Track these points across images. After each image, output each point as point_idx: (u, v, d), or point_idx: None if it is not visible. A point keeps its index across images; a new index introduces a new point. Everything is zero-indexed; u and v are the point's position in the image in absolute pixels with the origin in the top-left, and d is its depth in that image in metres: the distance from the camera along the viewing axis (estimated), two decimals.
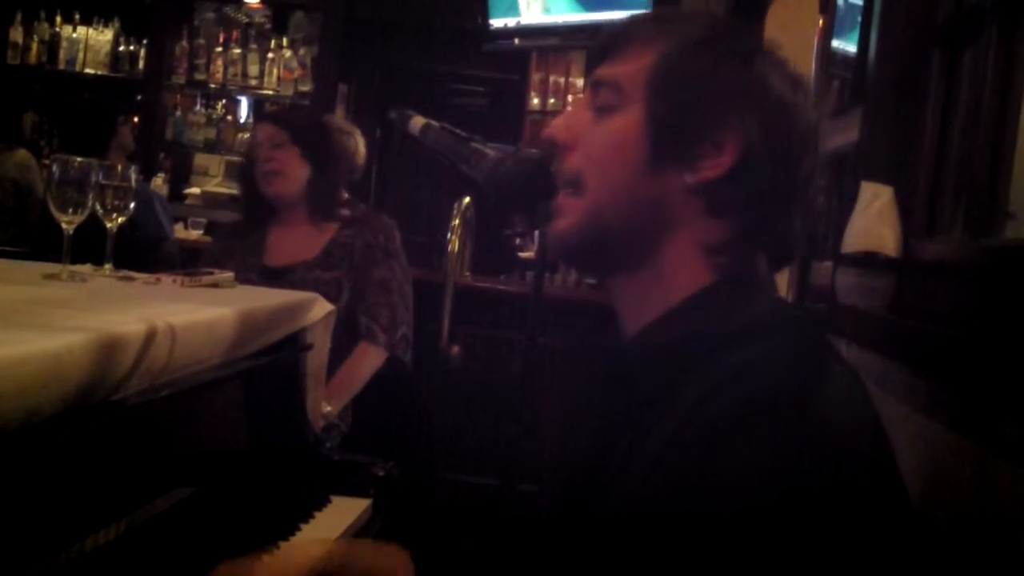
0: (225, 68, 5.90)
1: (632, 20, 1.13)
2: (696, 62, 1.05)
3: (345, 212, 2.96)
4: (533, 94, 5.91)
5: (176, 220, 4.79)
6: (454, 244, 3.21)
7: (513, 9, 4.56)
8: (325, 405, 2.63)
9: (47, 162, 2.51)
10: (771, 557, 0.83)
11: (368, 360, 2.83)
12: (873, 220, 1.81)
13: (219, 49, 5.92)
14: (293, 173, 2.92)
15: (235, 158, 5.77)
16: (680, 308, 1.04)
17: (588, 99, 1.11)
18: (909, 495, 0.97)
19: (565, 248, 1.12)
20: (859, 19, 2.20)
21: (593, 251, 1.10)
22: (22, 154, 4.48)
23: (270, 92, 5.90)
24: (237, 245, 2.94)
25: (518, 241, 5.03)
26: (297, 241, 2.91)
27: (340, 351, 2.69)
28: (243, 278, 2.73)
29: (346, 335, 2.75)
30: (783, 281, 2.74)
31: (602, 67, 1.10)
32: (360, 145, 3.95)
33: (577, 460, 1.15)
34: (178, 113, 5.97)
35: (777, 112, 1.04)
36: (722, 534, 0.83)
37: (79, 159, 1.82)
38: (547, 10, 4.43)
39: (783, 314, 1.05)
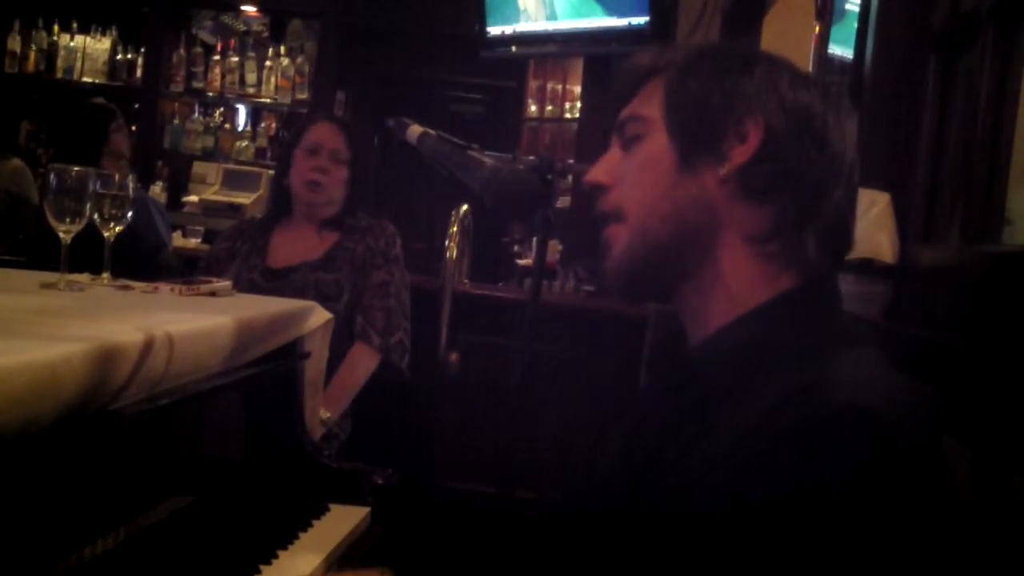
0: (223, 76, 5.91)
1: (637, 58, 1.19)
2: (701, 72, 1.11)
3: (350, 220, 2.96)
4: (531, 101, 5.92)
5: (174, 228, 4.79)
6: (452, 251, 3.22)
7: (513, 17, 4.56)
8: (324, 411, 2.63)
9: (44, 171, 2.51)
10: (825, 571, 0.84)
11: (362, 362, 2.82)
12: (870, 227, 1.81)
13: (217, 57, 5.93)
14: (335, 191, 2.91)
15: (233, 166, 5.78)
16: (754, 312, 1.07)
17: (617, 141, 1.17)
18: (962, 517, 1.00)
19: (624, 275, 1.15)
20: (855, 25, 2.20)
21: (651, 269, 1.13)
22: (16, 163, 4.48)
23: (268, 100, 5.91)
24: (241, 246, 2.94)
25: (516, 248, 5.04)
26: (301, 243, 2.91)
27: (339, 353, 2.69)
28: (246, 279, 2.73)
29: (346, 337, 2.76)
30: None
31: (625, 108, 1.16)
32: None
33: (615, 461, 1.15)
34: (176, 121, 5.98)
35: (790, 99, 1.08)
36: (778, 547, 0.85)
37: (76, 168, 1.82)
38: (552, 16, 4.43)
39: (855, 329, 1.09)
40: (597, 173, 1.17)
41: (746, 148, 1.07)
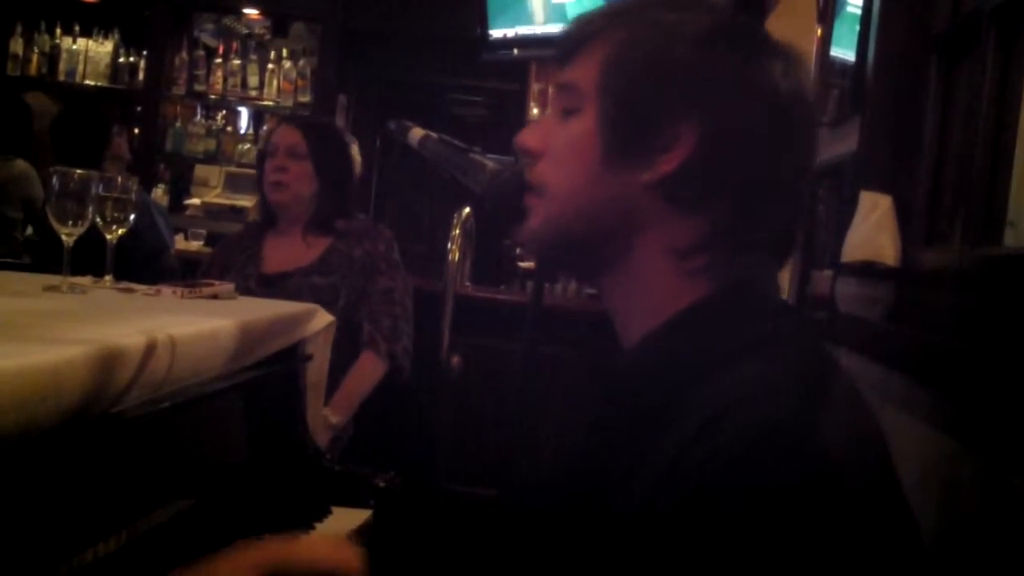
0: (225, 79, 5.91)
1: (584, 17, 1.09)
2: (642, 52, 1.01)
3: (341, 224, 2.96)
4: (533, 104, 5.92)
5: (176, 231, 4.79)
6: (454, 254, 3.21)
7: (516, 19, 4.55)
8: (332, 417, 2.64)
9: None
10: None
11: (371, 370, 2.83)
12: (872, 229, 1.81)
13: (219, 60, 5.93)
14: (298, 187, 2.92)
15: (235, 169, 5.78)
16: (674, 321, 1.00)
17: (553, 104, 1.10)
18: (913, 514, 0.95)
19: (535, 249, 1.11)
20: (857, 28, 2.20)
21: (561, 253, 1.08)
22: (21, 165, 4.49)
23: (270, 103, 5.91)
24: (236, 256, 2.95)
25: (518, 251, 5.04)
26: (293, 249, 2.91)
27: (339, 356, 2.69)
28: (243, 287, 2.74)
29: (344, 341, 2.76)
30: (783, 291, 2.74)
31: (563, 70, 1.08)
32: (357, 156, 3.96)
33: (570, 464, 1.11)
34: (178, 124, 5.98)
35: (740, 98, 0.98)
36: (725, 565, 0.81)
37: (79, 171, 1.82)
38: (555, 19, 4.42)
39: (783, 328, 0.99)
40: (529, 137, 1.09)
41: (674, 157, 0.98)
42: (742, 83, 0.99)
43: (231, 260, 2.94)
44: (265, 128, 5.97)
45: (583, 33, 1.07)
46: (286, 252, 2.92)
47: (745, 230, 1.00)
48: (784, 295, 2.73)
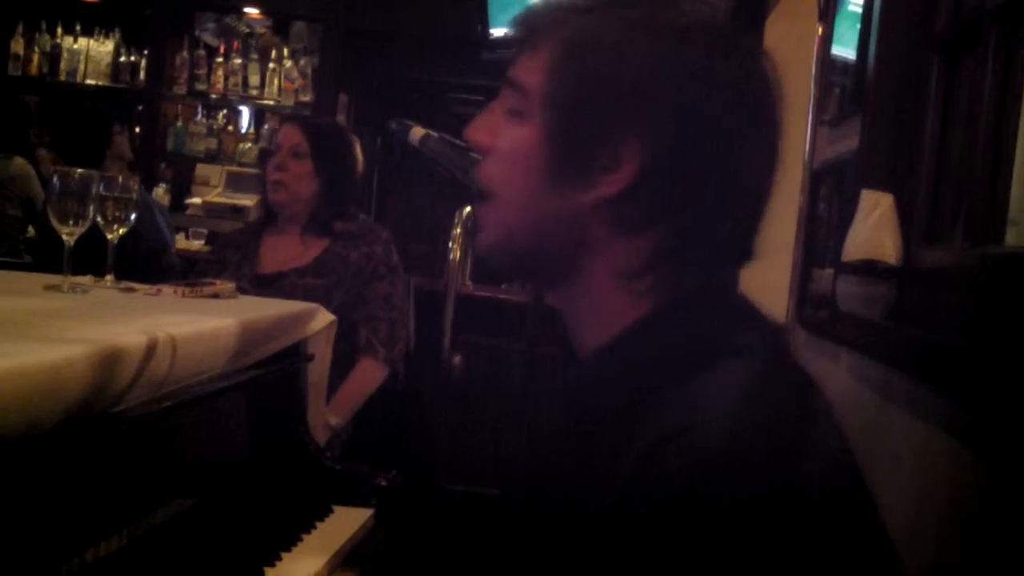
0: (226, 78, 5.91)
1: (537, 8, 1.04)
2: (586, 67, 0.95)
3: (339, 225, 2.96)
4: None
5: (177, 230, 4.80)
6: (455, 253, 3.21)
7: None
8: (332, 417, 2.64)
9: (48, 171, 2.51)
10: None
11: (370, 375, 2.83)
12: (873, 228, 1.81)
13: (220, 59, 5.93)
14: (298, 187, 2.92)
15: (236, 168, 5.78)
16: (626, 335, 0.97)
17: (502, 98, 1.04)
18: (882, 524, 0.92)
19: (492, 262, 1.06)
20: (858, 27, 2.20)
21: (514, 266, 1.06)
22: (19, 163, 4.49)
23: (271, 102, 5.91)
24: (232, 256, 2.95)
25: None
26: (289, 250, 2.92)
27: (335, 360, 2.69)
28: (237, 287, 2.74)
29: (340, 344, 2.76)
30: (784, 289, 2.74)
31: (513, 65, 1.03)
32: (359, 155, 3.96)
33: (545, 464, 1.07)
34: (179, 123, 5.98)
35: (692, 109, 0.93)
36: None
37: (80, 170, 1.82)
38: None
39: (739, 339, 0.94)
40: (478, 132, 1.05)
41: (616, 180, 0.94)
42: (690, 106, 0.93)
43: (227, 259, 2.95)
44: (266, 127, 5.97)
45: (532, 26, 1.02)
46: (283, 252, 2.92)
47: (696, 247, 0.96)
48: (786, 295, 2.74)
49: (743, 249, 1.00)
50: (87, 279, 1.95)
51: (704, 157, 0.93)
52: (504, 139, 1.02)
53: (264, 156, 3.08)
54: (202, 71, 5.91)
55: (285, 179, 2.91)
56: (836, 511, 0.84)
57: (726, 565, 0.78)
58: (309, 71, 5.88)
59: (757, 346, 0.94)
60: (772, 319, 1.04)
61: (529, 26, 1.03)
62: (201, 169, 5.84)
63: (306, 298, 2.61)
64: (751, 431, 0.83)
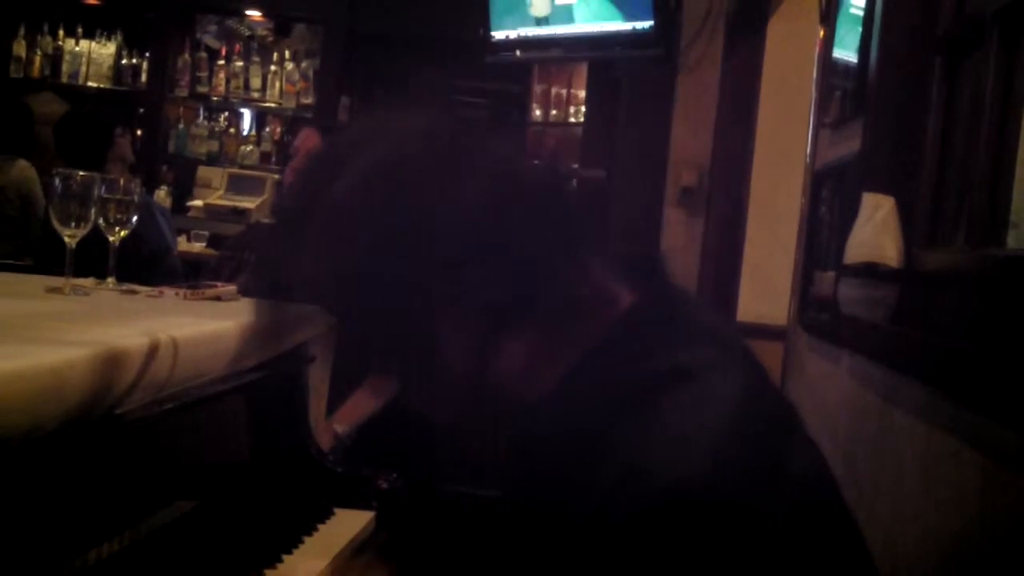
0: (227, 81, 5.92)
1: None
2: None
3: None
4: (535, 106, 5.92)
5: (179, 233, 4.79)
6: None
7: (518, 21, 4.54)
8: (339, 426, 2.64)
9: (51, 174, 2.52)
10: None
11: (383, 387, 2.83)
12: (875, 231, 1.81)
13: (221, 62, 5.94)
14: None
15: (238, 170, 5.78)
16: (572, 373, 0.94)
17: None
18: (861, 536, 0.91)
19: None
20: (859, 29, 2.20)
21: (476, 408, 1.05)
22: (22, 165, 4.49)
23: (272, 104, 5.92)
24: (249, 256, 2.95)
25: None
26: None
27: (345, 362, 2.69)
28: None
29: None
30: (785, 292, 2.74)
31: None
32: None
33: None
34: (180, 126, 5.99)
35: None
36: None
37: (81, 173, 1.82)
38: (556, 20, 4.41)
39: (682, 362, 0.90)
40: None
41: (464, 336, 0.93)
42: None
43: (244, 259, 2.95)
44: (271, 129, 5.98)
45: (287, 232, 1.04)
46: None
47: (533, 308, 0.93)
48: (787, 295, 2.74)
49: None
50: (89, 281, 1.95)
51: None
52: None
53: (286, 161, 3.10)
54: (204, 73, 5.92)
55: None
56: (811, 537, 0.82)
57: None
58: (310, 73, 5.88)
59: (709, 364, 0.90)
60: (729, 329, 1.00)
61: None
62: (202, 171, 5.85)
63: None
64: (705, 465, 0.80)
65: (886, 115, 1.96)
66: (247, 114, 6.18)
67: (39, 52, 5.93)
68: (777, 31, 3.78)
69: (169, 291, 2.02)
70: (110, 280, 1.97)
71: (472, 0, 4.65)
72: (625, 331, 0.93)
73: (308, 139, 2.97)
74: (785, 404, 0.94)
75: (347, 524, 1.80)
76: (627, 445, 0.83)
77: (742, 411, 0.86)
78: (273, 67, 5.91)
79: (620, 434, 0.84)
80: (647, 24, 4.12)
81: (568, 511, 0.85)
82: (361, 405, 2.79)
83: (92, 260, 1.93)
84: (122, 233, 1.93)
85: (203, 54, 5.98)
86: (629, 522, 0.78)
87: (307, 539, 1.67)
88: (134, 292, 1.97)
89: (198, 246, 5.23)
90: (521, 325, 0.93)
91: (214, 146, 5.98)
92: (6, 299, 1.72)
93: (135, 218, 1.94)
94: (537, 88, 5.86)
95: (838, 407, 2.00)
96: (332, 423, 2.57)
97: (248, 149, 5.96)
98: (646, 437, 0.83)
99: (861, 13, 2.22)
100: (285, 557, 1.56)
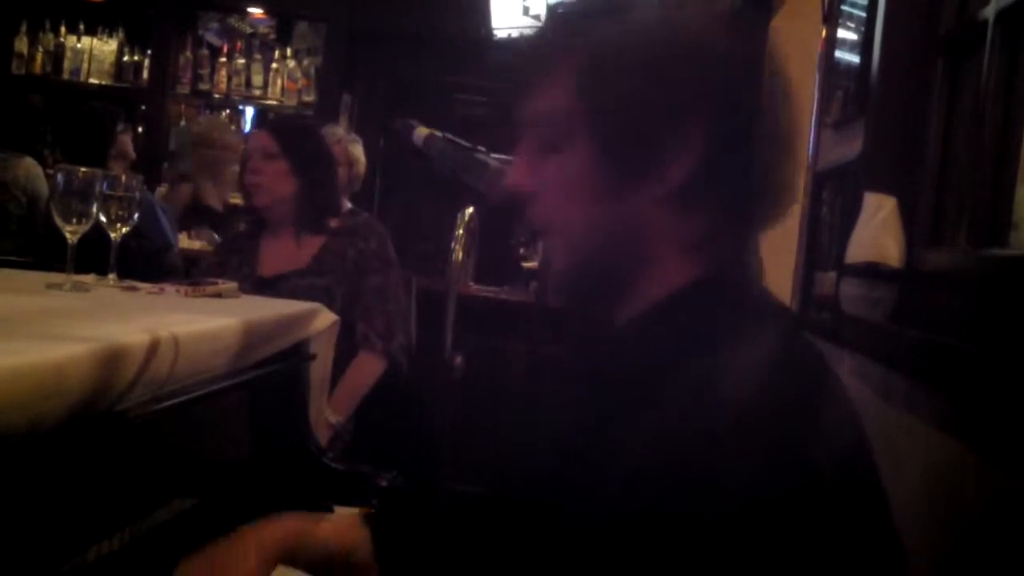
0: (229, 78, 5.91)
1: (539, 39, 1.07)
2: (628, 70, 0.97)
3: (333, 222, 2.96)
4: (535, 116, 5.92)
5: (179, 230, 4.79)
6: (458, 253, 3.21)
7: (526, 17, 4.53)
8: (332, 415, 2.64)
9: (51, 171, 2.52)
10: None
11: (368, 369, 2.83)
12: (877, 231, 1.81)
13: (223, 59, 5.93)
14: (276, 187, 2.92)
15: (239, 169, 5.78)
16: (658, 307, 1.00)
17: (529, 140, 1.06)
18: (891, 515, 0.94)
19: (568, 291, 1.09)
20: (862, 30, 2.20)
21: (593, 284, 1.06)
22: (28, 162, 4.50)
23: (274, 102, 5.91)
24: (231, 258, 2.95)
25: (522, 251, 5.03)
26: (287, 250, 2.92)
27: (336, 357, 2.69)
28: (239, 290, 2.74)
29: (342, 341, 2.76)
30: (787, 292, 2.74)
31: (531, 102, 1.05)
32: (361, 155, 3.96)
33: (556, 450, 1.08)
34: (182, 123, 5.98)
35: (733, 97, 0.97)
36: (681, 550, 0.80)
37: (83, 169, 1.82)
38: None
39: (761, 316, 0.99)
40: (519, 179, 1.06)
41: (682, 165, 0.96)
42: (731, 88, 0.97)
43: (227, 262, 2.95)
44: None
45: (539, 61, 1.05)
46: (280, 254, 2.92)
47: (740, 211, 1.00)
48: (788, 296, 2.73)
49: (770, 216, 1.03)
50: (90, 278, 1.95)
51: (747, 138, 0.96)
52: (550, 175, 1.03)
53: (242, 164, 3.08)
54: (205, 71, 5.92)
55: (263, 182, 2.91)
56: (844, 500, 0.85)
57: (724, 533, 0.79)
58: (312, 71, 5.88)
59: (771, 333, 0.96)
60: (791, 311, 1.05)
61: (536, 61, 1.05)
62: None
63: (310, 298, 2.62)
64: (758, 412, 0.84)
65: (888, 115, 1.96)
66: (248, 112, 6.17)
67: (41, 49, 5.92)
68: (779, 31, 3.77)
69: (170, 288, 2.03)
70: (111, 277, 1.97)
71: None
72: (712, 283, 0.99)
73: (257, 139, 2.99)
74: (835, 381, 0.98)
75: None
76: (685, 385, 0.87)
77: (791, 374, 0.92)
78: (275, 65, 5.91)
79: (681, 375, 0.88)
80: None
81: (615, 444, 0.89)
82: (350, 389, 2.79)
83: (93, 257, 1.93)
84: (123, 230, 1.93)
85: (205, 51, 5.97)
86: (701, 430, 0.82)
87: None
88: (135, 289, 1.97)
89: (199, 243, 5.23)
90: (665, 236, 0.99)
91: None
92: (7, 295, 1.72)
93: (136, 215, 1.94)
94: (542, 100, 5.87)
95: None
96: (325, 414, 2.57)
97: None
98: (701, 382, 0.87)
99: (864, 13, 2.22)
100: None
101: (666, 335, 0.97)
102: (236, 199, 5.46)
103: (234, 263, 2.93)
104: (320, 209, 2.94)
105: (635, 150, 0.97)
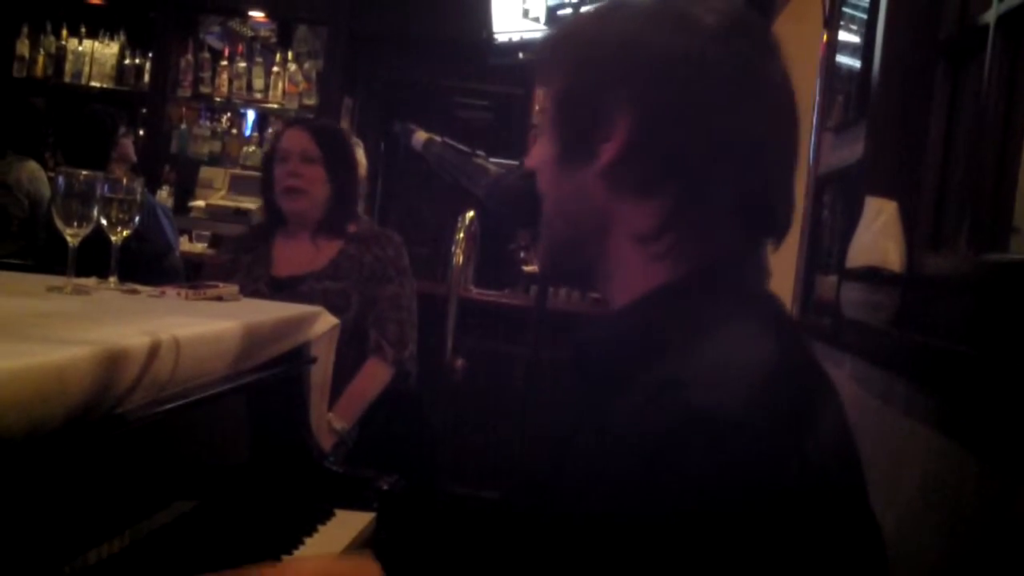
0: (230, 81, 5.92)
1: (540, 45, 1.17)
2: (567, 59, 1.07)
3: (352, 228, 2.95)
4: (537, 108, 5.92)
5: (181, 233, 4.80)
6: (458, 258, 3.21)
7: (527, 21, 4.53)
8: (336, 422, 2.64)
9: (52, 174, 2.52)
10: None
11: (377, 376, 2.83)
12: (877, 235, 1.81)
13: (224, 62, 5.94)
14: (314, 191, 2.90)
15: (240, 171, 5.79)
16: (642, 300, 1.02)
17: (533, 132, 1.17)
18: (871, 515, 0.94)
19: (545, 265, 1.17)
20: (863, 32, 2.20)
21: (561, 261, 1.13)
22: (32, 165, 4.51)
23: (275, 105, 5.92)
24: (243, 258, 2.94)
25: (522, 255, 5.04)
26: (304, 252, 2.90)
27: (348, 363, 2.69)
28: (251, 289, 2.73)
29: (354, 347, 2.76)
30: (787, 295, 2.74)
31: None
32: (363, 158, 3.97)
33: (548, 449, 1.11)
34: (183, 126, 5.99)
35: (666, 77, 0.99)
36: (647, 543, 0.81)
37: (84, 172, 1.82)
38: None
39: (746, 313, 0.99)
40: (529, 160, 1.15)
41: (614, 144, 1.01)
42: (668, 58, 0.99)
43: (237, 261, 2.93)
44: (270, 131, 5.98)
45: (541, 56, 1.14)
46: (297, 255, 2.91)
47: (701, 206, 1.00)
48: (789, 302, 2.73)
49: (760, 215, 1.04)
50: (90, 281, 1.95)
51: (689, 112, 0.99)
52: (532, 156, 1.13)
53: (268, 160, 3.05)
54: (206, 74, 5.92)
55: (301, 185, 2.88)
56: (824, 484, 0.86)
57: (697, 520, 0.80)
58: (313, 74, 5.88)
59: (761, 323, 0.98)
60: (790, 315, 1.06)
61: (541, 55, 1.14)
62: (205, 172, 5.85)
63: (324, 302, 2.61)
64: (740, 391, 0.86)
65: (889, 119, 1.96)
66: (249, 115, 6.18)
67: (42, 52, 5.93)
68: (780, 34, 3.77)
69: (171, 291, 2.02)
70: (112, 280, 1.97)
71: (475, 2, 4.65)
72: (709, 274, 1.01)
73: (298, 140, 2.95)
74: (822, 374, 1.00)
75: (347, 525, 1.80)
76: (677, 364, 0.90)
77: (783, 365, 0.93)
78: (276, 68, 5.91)
79: (673, 355, 0.92)
80: None
81: (605, 422, 0.91)
82: (357, 396, 2.79)
83: (94, 260, 1.93)
84: (124, 233, 1.93)
85: (206, 54, 5.98)
86: (661, 429, 0.84)
87: (308, 540, 1.68)
88: (136, 292, 1.97)
89: (200, 246, 5.24)
90: (665, 227, 1.01)
91: (216, 147, 5.98)
92: (8, 298, 1.72)
93: (137, 218, 1.94)
94: (539, 91, 5.87)
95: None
96: (330, 420, 2.57)
97: (250, 150, 5.96)
98: (694, 363, 0.90)
99: (865, 17, 2.22)
100: (285, 557, 1.56)
101: (642, 329, 1.00)
102: (236, 200, 5.49)
103: (245, 261, 2.91)
104: (344, 216, 2.94)
105: (570, 129, 1.06)
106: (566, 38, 1.10)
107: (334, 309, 2.20)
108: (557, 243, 1.11)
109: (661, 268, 1.02)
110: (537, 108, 1.22)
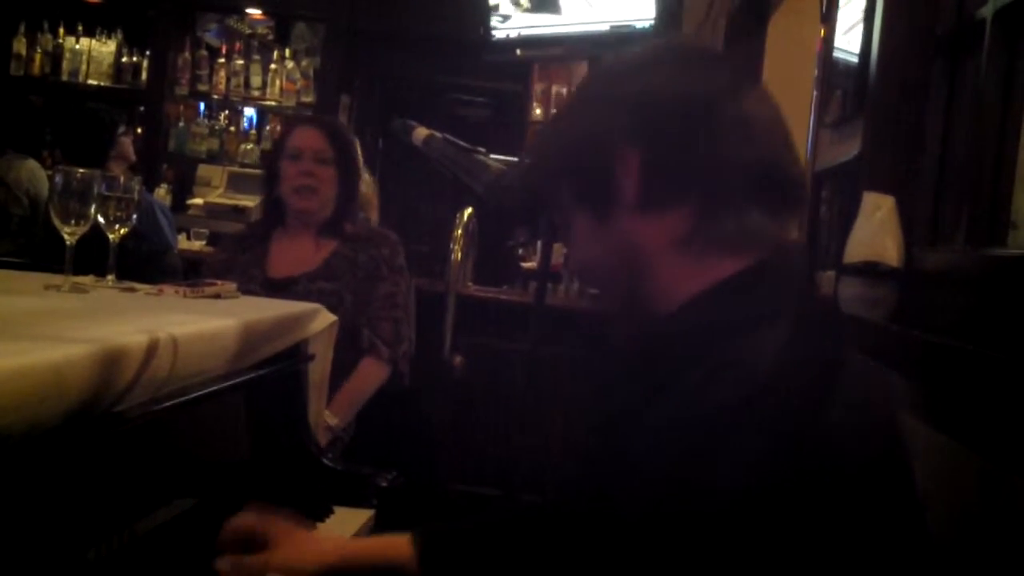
0: (228, 79, 5.91)
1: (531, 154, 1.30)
2: (553, 153, 1.18)
3: (349, 227, 2.94)
4: (535, 104, 5.92)
5: (179, 231, 4.79)
6: (456, 254, 3.21)
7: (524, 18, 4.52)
8: (331, 418, 2.64)
9: (50, 173, 2.52)
10: (748, 552, 0.85)
11: (372, 375, 2.82)
12: (875, 230, 1.81)
13: (222, 60, 5.93)
14: (326, 192, 2.88)
15: (238, 169, 5.78)
16: (694, 300, 1.06)
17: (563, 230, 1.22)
18: (918, 501, 0.98)
19: (615, 315, 1.19)
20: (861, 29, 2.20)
21: (625, 304, 1.16)
22: (32, 164, 4.50)
23: (273, 103, 5.91)
24: (239, 257, 2.93)
25: (520, 251, 5.04)
26: (299, 253, 2.89)
27: (342, 362, 2.69)
28: (245, 289, 2.72)
29: (348, 346, 2.75)
30: None
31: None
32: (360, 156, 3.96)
33: (584, 447, 1.18)
34: (181, 124, 5.98)
35: (655, 109, 1.07)
36: (701, 522, 0.86)
37: (81, 170, 1.82)
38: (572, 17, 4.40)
39: (795, 304, 1.05)
40: (575, 252, 1.20)
41: (630, 181, 1.07)
42: (651, 93, 1.08)
43: (234, 261, 2.92)
44: (268, 128, 5.97)
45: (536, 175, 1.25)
46: (293, 255, 2.90)
47: (723, 195, 1.06)
48: None
49: (770, 191, 1.08)
50: (88, 279, 1.95)
51: (691, 127, 1.06)
52: (576, 248, 1.18)
53: (273, 157, 3.03)
54: (204, 72, 5.92)
55: (315, 185, 2.87)
56: (860, 474, 0.90)
57: (737, 505, 0.85)
58: (311, 72, 5.88)
59: (810, 313, 1.05)
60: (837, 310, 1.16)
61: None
62: (203, 170, 5.84)
63: (319, 302, 2.61)
64: (789, 379, 0.91)
65: (886, 115, 1.96)
66: (247, 112, 6.17)
67: (39, 50, 5.92)
68: (778, 29, 3.77)
69: (169, 289, 2.02)
70: (110, 278, 1.97)
71: None
72: (752, 276, 1.06)
73: (312, 140, 2.94)
74: (862, 361, 1.04)
75: (347, 522, 1.80)
76: (727, 353, 0.96)
77: (823, 355, 0.99)
78: (273, 65, 5.91)
79: (720, 351, 0.96)
80: (648, 22, 4.11)
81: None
82: (352, 394, 2.78)
83: (92, 258, 1.93)
84: (122, 231, 1.93)
85: (203, 52, 5.97)
86: (722, 401, 0.89)
87: None
88: (134, 290, 1.97)
89: (198, 244, 5.24)
90: (694, 240, 1.07)
91: (214, 144, 5.98)
92: (5, 296, 1.72)
93: (135, 216, 1.94)
94: (537, 87, 5.87)
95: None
96: (325, 416, 2.56)
97: (248, 147, 5.96)
98: (753, 345, 0.96)
99: (863, 13, 2.22)
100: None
101: (708, 320, 1.04)
102: (234, 198, 5.49)
103: (242, 262, 2.90)
104: (346, 216, 2.93)
105: (591, 194, 1.11)
106: (544, 140, 1.22)
107: (328, 309, 2.19)
108: (620, 292, 1.14)
109: (711, 264, 1.06)
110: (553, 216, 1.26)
